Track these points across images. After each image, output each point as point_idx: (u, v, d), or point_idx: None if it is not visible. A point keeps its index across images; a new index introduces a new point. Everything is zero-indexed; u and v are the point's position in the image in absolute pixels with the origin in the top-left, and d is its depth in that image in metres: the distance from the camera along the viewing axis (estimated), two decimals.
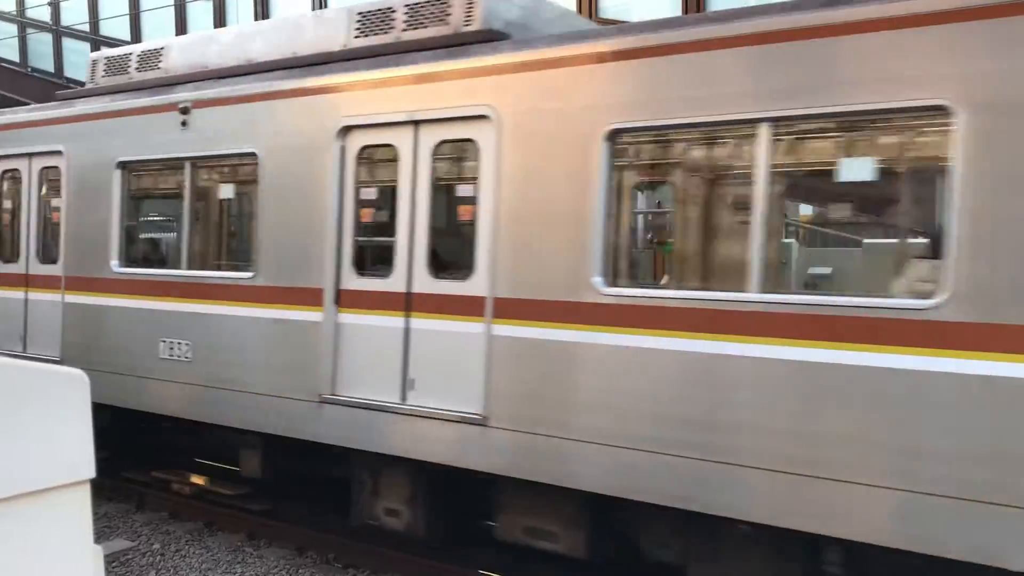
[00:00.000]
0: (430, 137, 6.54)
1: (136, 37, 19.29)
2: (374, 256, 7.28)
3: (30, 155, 9.39)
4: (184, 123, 7.88)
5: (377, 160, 7.24)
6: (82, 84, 19.32)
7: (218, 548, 7.68)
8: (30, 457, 2.10)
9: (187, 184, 8.03)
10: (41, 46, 21.34)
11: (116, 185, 8.45)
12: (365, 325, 6.82)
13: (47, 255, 9.33)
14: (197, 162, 8.07)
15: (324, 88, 7.10)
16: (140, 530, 8.10)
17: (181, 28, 18.44)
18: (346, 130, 6.90)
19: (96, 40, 19.99)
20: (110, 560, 7.15)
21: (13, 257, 9.66)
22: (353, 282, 6.91)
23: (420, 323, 6.49)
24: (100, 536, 7.55)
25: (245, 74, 7.82)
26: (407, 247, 6.64)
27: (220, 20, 17.74)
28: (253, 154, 7.42)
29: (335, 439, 6.87)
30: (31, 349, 9.22)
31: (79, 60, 20.45)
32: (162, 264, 9.08)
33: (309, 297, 7.01)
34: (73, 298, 8.79)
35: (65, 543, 2.14)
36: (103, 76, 9.33)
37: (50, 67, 21.13)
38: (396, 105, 6.66)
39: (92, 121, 8.77)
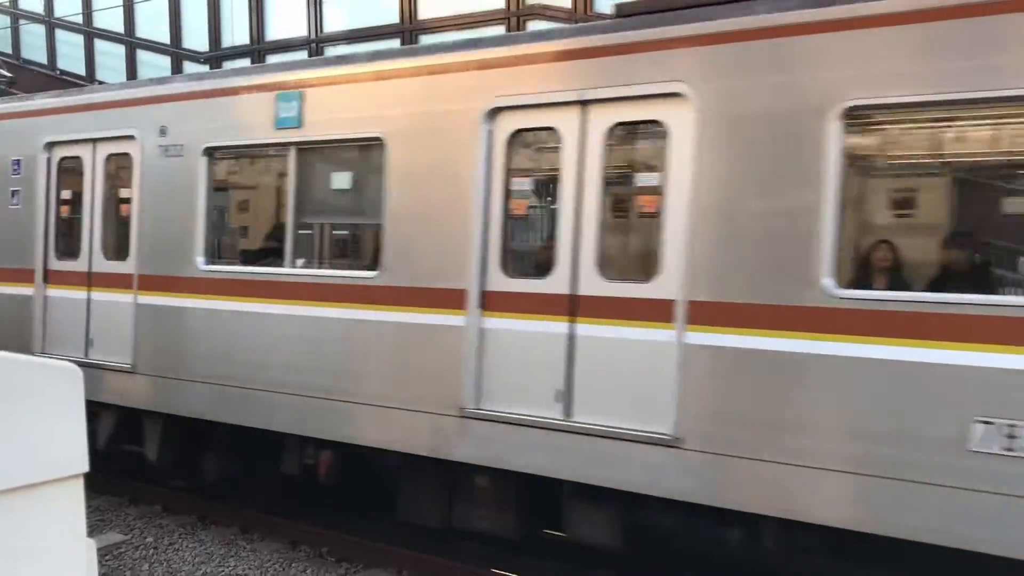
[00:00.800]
0: None
1: (130, 30, 19.19)
2: None
3: (582, 103, 5.80)
4: None
5: None
6: (78, 76, 18.96)
7: (211, 542, 7.69)
8: (23, 451, 2.10)
9: None
10: (32, 38, 21.24)
11: (832, 148, 4.97)
12: None
13: (631, 264, 6.02)
14: None
15: None
16: (133, 523, 8.11)
17: (175, 20, 18.35)
18: None
19: (89, 32, 19.89)
20: (103, 553, 7.15)
21: (540, 266, 6.10)
22: None
23: None
24: (93, 529, 7.55)
25: None
26: None
27: (215, 11, 17.67)
28: None
29: None
30: (583, 415, 5.73)
31: (71, 52, 20.37)
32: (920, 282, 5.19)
33: None
34: (726, 341, 5.20)
35: (58, 537, 2.14)
36: None
37: (43, 59, 21.02)
38: None
39: (753, 42, 5.23)
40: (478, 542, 7.15)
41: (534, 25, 13.50)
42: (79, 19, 19.94)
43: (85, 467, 2.26)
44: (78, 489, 2.24)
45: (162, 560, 7.23)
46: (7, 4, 21.50)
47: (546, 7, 13.55)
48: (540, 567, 6.95)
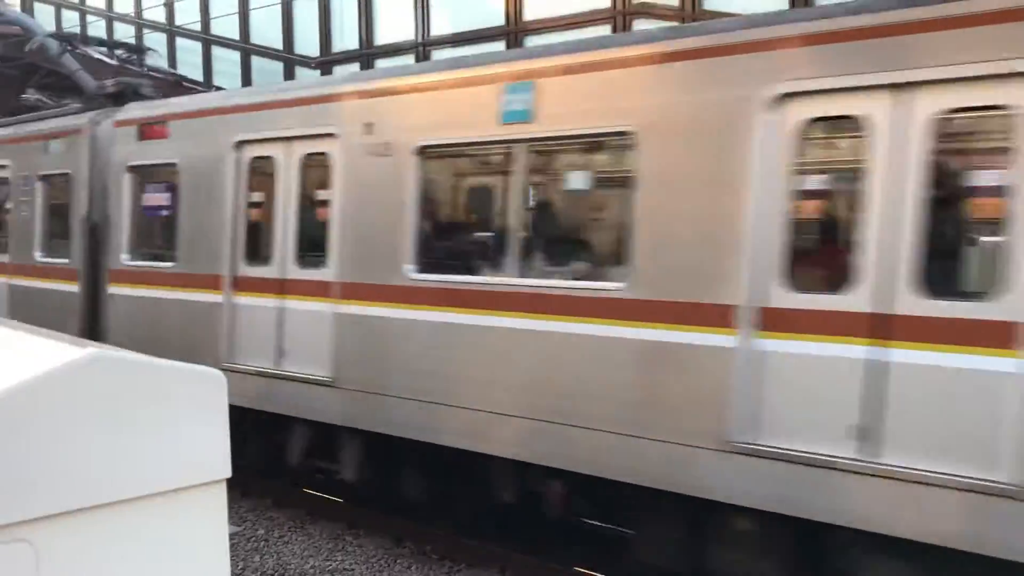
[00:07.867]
0: None
1: (245, 36, 19.89)
2: None
3: None
4: None
5: None
6: (196, 82, 19.57)
7: (319, 536, 7.86)
8: (171, 456, 2.16)
9: None
10: (155, 45, 22.23)
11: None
12: None
13: None
14: None
15: None
16: (245, 516, 8.36)
17: (288, 26, 18.91)
18: None
19: (207, 39, 20.71)
20: None
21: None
22: None
23: None
24: None
25: None
26: None
27: (325, 17, 18.13)
28: None
29: None
30: None
31: (190, 59, 21.24)
32: None
33: None
34: None
35: (201, 540, 2.19)
36: None
37: (164, 65, 22.00)
38: None
39: None
40: (581, 544, 7.08)
41: (640, 24, 13.32)
42: (198, 27, 20.78)
43: (228, 472, 2.31)
44: (221, 494, 2.29)
45: (272, 552, 7.43)
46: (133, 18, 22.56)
47: (653, 6, 13.35)
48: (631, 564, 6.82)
